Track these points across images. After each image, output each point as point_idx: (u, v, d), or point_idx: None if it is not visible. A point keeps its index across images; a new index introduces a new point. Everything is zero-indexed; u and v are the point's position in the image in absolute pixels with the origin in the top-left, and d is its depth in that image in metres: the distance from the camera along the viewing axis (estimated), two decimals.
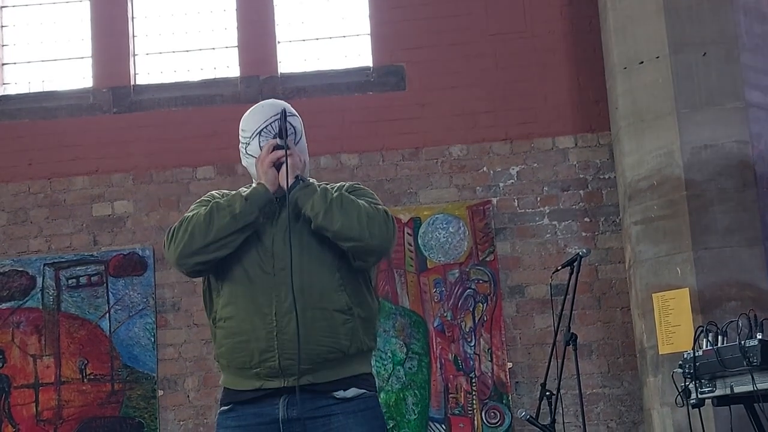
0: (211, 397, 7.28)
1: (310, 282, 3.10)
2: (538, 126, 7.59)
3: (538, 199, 7.51)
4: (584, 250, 5.67)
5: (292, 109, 3.31)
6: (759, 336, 4.71)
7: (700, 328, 5.10)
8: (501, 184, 7.53)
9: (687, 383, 4.99)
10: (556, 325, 5.72)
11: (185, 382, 7.41)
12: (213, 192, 3.34)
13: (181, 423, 7.36)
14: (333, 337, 3.09)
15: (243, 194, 3.17)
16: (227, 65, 7.99)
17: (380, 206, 3.21)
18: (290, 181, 3.15)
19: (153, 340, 7.41)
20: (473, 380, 7.17)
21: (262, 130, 3.25)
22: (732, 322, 4.97)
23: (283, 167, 3.17)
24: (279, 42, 7.95)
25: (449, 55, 7.72)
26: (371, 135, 7.64)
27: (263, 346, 3.07)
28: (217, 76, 7.96)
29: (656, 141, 6.73)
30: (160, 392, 7.38)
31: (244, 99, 7.73)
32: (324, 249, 3.15)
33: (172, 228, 3.18)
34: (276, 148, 3.20)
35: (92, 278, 7.51)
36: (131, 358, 7.40)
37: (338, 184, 3.30)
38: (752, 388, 4.67)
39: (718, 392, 4.92)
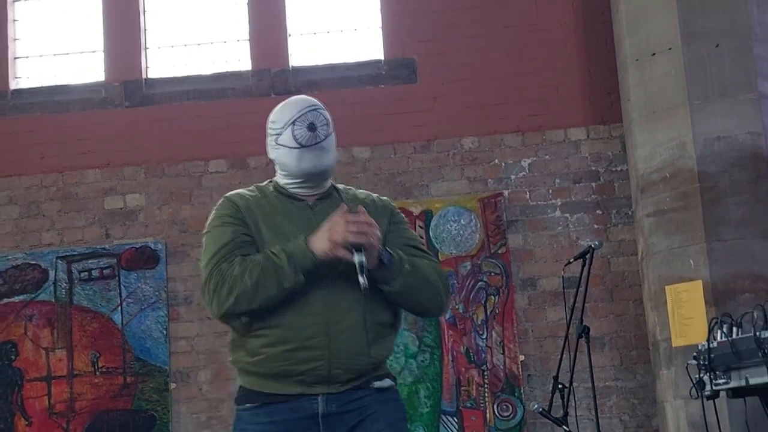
0: (224, 390, 7.29)
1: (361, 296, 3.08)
2: (550, 118, 7.58)
3: (550, 191, 7.49)
4: (596, 243, 5.63)
5: (319, 103, 3.37)
6: None
7: (715, 320, 5.07)
8: (513, 177, 7.52)
9: (701, 375, 4.96)
10: (568, 317, 5.68)
11: (198, 375, 7.41)
12: (231, 196, 3.26)
13: (194, 416, 7.37)
14: (376, 349, 3.14)
15: (292, 257, 3.04)
16: (238, 59, 7.99)
17: (437, 264, 3.28)
18: (369, 268, 3.04)
19: (165, 333, 7.42)
20: (485, 373, 7.17)
21: (296, 120, 3.29)
22: (747, 314, 4.94)
23: (356, 256, 3.02)
24: (290, 35, 7.95)
25: (461, 48, 7.71)
26: (383, 128, 7.63)
27: (314, 355, 3.05)
28: (228, 70, 7.96)
29: (669, 133, 6.71)
30: (173, 385, 7.39)
31: (256, 92, 7.74)
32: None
33: (214, 277, 3.06)
34: (356, 248, 3.02)
35: (104, 271, 7.52)
36: (143, 351, 7.41)
37: (375, 195, 3.40)
38: (767, 380, 4.65)
39: (732, 384, 4.88)
